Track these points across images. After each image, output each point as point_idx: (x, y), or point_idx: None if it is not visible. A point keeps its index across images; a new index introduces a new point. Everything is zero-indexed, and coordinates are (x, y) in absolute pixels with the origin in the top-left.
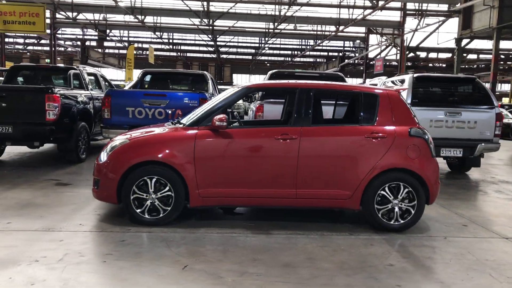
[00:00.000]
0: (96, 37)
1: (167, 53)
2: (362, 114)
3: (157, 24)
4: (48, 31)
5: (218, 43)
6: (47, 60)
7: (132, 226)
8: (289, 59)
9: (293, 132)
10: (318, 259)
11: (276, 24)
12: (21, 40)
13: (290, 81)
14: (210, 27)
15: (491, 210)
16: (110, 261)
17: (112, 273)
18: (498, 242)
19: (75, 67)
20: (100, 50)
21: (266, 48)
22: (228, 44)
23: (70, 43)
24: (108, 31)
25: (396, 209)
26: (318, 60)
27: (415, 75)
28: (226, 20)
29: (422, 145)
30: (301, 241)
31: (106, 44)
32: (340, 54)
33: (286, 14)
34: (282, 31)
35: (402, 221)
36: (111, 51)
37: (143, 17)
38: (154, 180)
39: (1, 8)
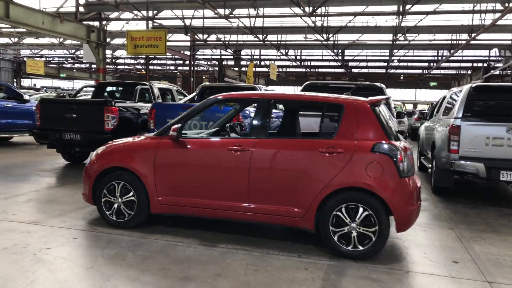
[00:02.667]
0: (232, 57)
1: (297, 70)
2: (323, 126)
3: (281, 42)
4: (187, 52)
5: (346, 57)
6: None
7: (102, 226)
8: (426, 72)
9: (246, 143)
10: (226, 276)
11: (399, 35)
12: (170, 62)
13: (257, 92)
14: (332, 42)
15: None
16: (42, 253)
17: (24, 262)
18: None
19: (146, 83)
20: (236, 69)
21: (395, 61)
22: (356, 58)
23: (215, 62)
24: (235, 50)
25: (354, 233)
26: (462, 71)
27: (474, 84)
28: (346, 34)
29: (387, 163)
30: (235, 257)
31: (243, 63)
32: (485, 64)
33: (407, 25)
34: (411, 42)
35: (361, 248)
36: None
37: (264, 35)
38: (120, 185)
39: (133, 34)
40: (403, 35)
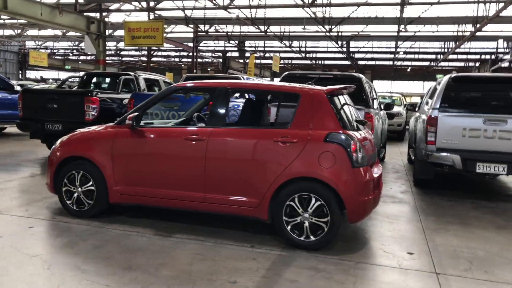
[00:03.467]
0: (236, 48)
1: (301, 62)
2: (279, 115)
3: (284, 33)
4: (190, 44)
5: (351, 49)
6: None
7: (63, 216)
8: (434, 64)
9: (202, 133)
10: (169, 266)
11: (402, 26)
12: (174, 53)
13: (215, 81)
14: (336, 33)
15: (491, 247)
16: None
17: None
18: (419, 280)
19: (131, 73)
20: (241, 61)
21: (401, 53)
22: (361, 50)
23: (220, 54)
24: (237, 41)
25: (306, 223)
26: (470, 64)
27: (453, 75)
28: (349, 25)
29: (340, 152)
30: (186, 247)
31: (248, 55)
32: (493, 56)
33: (411, 16)
34: (416, 33)
35: (313, 238)
36: (255, 61)
37: (266, 27)
38: (80, 174)
39: (130, 25)
40: (405, 27)
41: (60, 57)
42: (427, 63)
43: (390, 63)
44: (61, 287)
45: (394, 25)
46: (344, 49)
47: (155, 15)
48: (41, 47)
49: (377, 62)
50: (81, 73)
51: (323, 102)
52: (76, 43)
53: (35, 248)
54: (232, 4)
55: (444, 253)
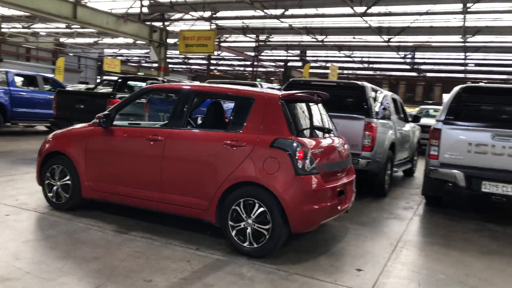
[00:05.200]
0: (298, 58)
1: (364, 72)
2: (233, 118)
3: (343, 43)
4: (252, 53)
5: (416, 60)
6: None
7: (44, 207)
8: None
9: (161, 133)
10: (101, 260)
11: (466, 36)
12: (236, 63)
13: (182, 84)
14: (397, 44)
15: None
16: None
17: None
18: None
19: (159, 78)
20: (302, 70)
21: (472, 64)
22: (428, 61)
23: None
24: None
25: (249, 229)
26: None
27: (464, 85)
28: (411, 35)
29: (284, 158)
30: (132, 244)
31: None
32: None
33: (477, 25)
34: (487, 44)
35: (256, 246)
36: (314, 70)
37: (324, 36)
38: (60, 169)
39: (185, 34)
40: (466, 37)
41: (134, 64)
42: (505, 76)
43: (462, 75)
44: None
45: (458, 36)
46: (408, 60)
47: (215, 24)
48: (117, 54)
49: (448, 74)
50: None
51: (276, 107)
52: (146, 51)
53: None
54: (285, 13)
55: (396, 273)
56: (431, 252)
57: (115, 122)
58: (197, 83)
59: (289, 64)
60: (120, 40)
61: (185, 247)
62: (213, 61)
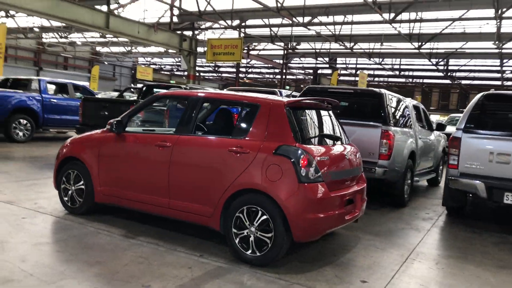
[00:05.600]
0: (327, 65)
1: (396, 79)
2: (239, 125)
3: (373, 50)
4: (280, 61)
5: (450, 67)
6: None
7: (61, 211)
8: None
9: (170, 140)
10: (104, 264)
11: (501, 43)
12: (266, 70)
13: (192, 91)
14: (429, 50)
15: None
16: None
17: None
18: None
19: (181, 86)
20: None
21: (508, 72)
22: (462, 68)
23: (311, 71)
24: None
25: (252, 237)
26: None
27: (486, 93)
28: (444, 42)
29: (286, 166)
30: (138, 249)
31: (343, 72)
32: None
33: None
34: None
35: (258, 254)
36: (344, 78)
37: (352, 43)
38: (74, 174)
39: (212, 42)
40: (501, 43)
41: (167, 72)
42: None
43: (499, 82)
44: None
45: (491, 42)
46: (441, 67)
47: (243, 33)
48: (150, 63)
49: (484, 82)
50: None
51: (281, 114)
52: (178, 59)
53: (5, 233)
54: (313, 21)
55: (403, 286)
56: (444, 266)
57: (127, 129)
58: (210, 90)
59: (319, 71)
60: (153, 49)
61: (189, 254)
62: (242, 69)
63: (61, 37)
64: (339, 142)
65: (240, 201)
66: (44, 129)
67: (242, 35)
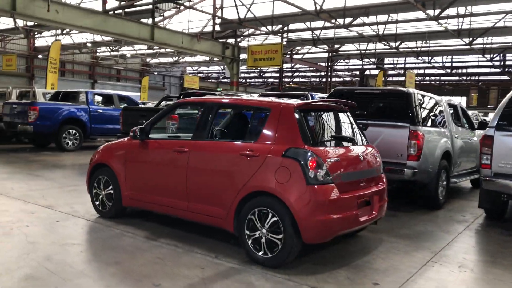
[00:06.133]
0: (374, 66)
1: (449, 78)
2: (250, 129)
3: (422, 48)
4: (324, 64)
5: (508, 62)
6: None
7: (94, 215)
8: None
9: (187, 145)
10: (121, 264)
11: None
12: (311, 74)
13: (208, 97)
14: (482, 46)
15: None
16: (17, 227)
17: None
18: None
19: (216, 92)
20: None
21: None
22: None
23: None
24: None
25: (263, 239)
26: None
27: None
28: (499, 36)
29: (295, 168)
30: (156, 250)
31: (392, 72)
32: None
33: None
34: None
35: (270, 255)
36: (392, 79)
37: (398, 43)
38: (104, 179)
39: (253, 48)
40: None
41: (214, 80)
42: None
43: None
44: (24, 261)
45: None
46: (497, 63)
47: (286, 37)
48: (197, 71)
49: None
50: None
51: (290, 117)
52: (223, 67)
53: (37, 235)
54: (356, 22)
55: None
56: (468, 269)
57: (152, 136)
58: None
59: (366, 72)
60: (199, 58)
61: (205, 255)
62: (288, 74)
63: (112, 50)
64: (353, 143)
65: (252, 204)
66: (91, 138)
67: (284, 40)
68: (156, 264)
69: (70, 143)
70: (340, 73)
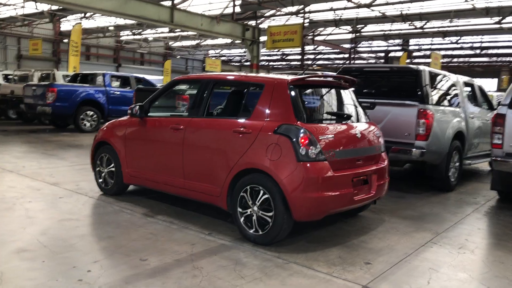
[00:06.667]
0: (399, 48)
1: (478, 59)
2: (244, 106)
3: (449, 29)
4: (347, 45)
5: None
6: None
7: (97, 192)
8: None
9: (182, 122)
10: (114, 239)
11: None
12: (334, 56)
13: (204, 74)
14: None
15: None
16: (20, 203)
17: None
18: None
19: None
20: (407, 60)
21: None
22: None
23: (382, 54)
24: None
25: (254, 216)
26: None
27: None
28: None
29: (286, 145)
30: (150, 227)
31: (418, 54)
32: None
33: None
34: None
35: (261, 232)
36: (418, 60)
37: (424, 22)
38: (106, 157)
39: (272, 30)
40: None
41: (236, 64)
42: None
43: None
44: (19, 235)
45: None
46: None
47: (307, 18)
48: (220, 55)
49: None
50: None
51: (283, 93)
52: (245, 50)
53: (38, 210)
54: (379, 1)
55: (407, 270)
56: (468, 251)
57: (151, 114)
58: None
59: (391, 54)
60: (220, 41)
61: (198, 232)
62: (310, 56)
63: (134, 34)
64: (351, 121)
65: (244, 181)
66: (109, 119)
67: (306, 21)
68: (148, 240)
69: (88, 124)
70: (364, 55)
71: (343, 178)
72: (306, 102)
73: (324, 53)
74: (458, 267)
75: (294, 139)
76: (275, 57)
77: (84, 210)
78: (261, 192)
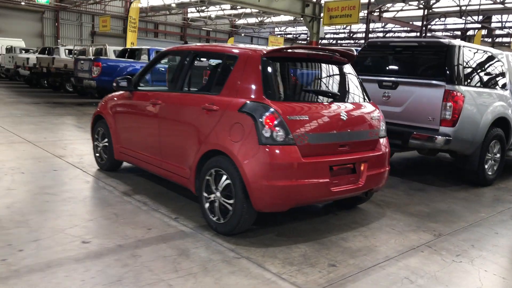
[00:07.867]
0: (479, 26)
1: None
2: (216, 80)
3: None
4: (419, 23)
5: None
6: None
7: (94, 168)
8: None
9: (160, 97)
10: (76, 217)
11: None
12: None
13: (186, 45)
14: None
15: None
16: (14, 172)
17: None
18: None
19: None
20: (487, 40)
21: None
22: None
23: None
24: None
25: (217, 203)
26: None
27: None
28: None
29: (249, 125)
30: (120, 206)
31: (499, 32)
32: None
33: None
34: None
35: (222, 221)
36: (501, 39)
37: None
38: (102, 131)
39: (329, 5)
40: None
41: (303, 41)
42: None
43: None
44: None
45: None
46: None
47: None
48: (285, 32)
49: None
50: None
51: (255, 66)
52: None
53: (22, 182)
54: None
55: (377, 278)
56: (465, 259)
57: (140, 88)
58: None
59: (469, 33)
60: (283, 18)
61: (165, 215)
62: (379, 34)
63: (198, 11)
64: (337, 100)
65: (209, 164)
66: None
67: None
68: (107, 220)
69: None
70: (439, 33)
71: (316, 165)
72: (284, 78)
73: (394, 31)
74: (441, 279)
75: (258, 119)
76: (342, 35)
77: (66, 185)
78: (224, 176)
